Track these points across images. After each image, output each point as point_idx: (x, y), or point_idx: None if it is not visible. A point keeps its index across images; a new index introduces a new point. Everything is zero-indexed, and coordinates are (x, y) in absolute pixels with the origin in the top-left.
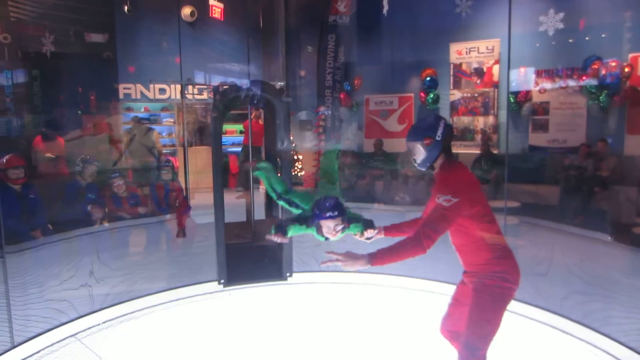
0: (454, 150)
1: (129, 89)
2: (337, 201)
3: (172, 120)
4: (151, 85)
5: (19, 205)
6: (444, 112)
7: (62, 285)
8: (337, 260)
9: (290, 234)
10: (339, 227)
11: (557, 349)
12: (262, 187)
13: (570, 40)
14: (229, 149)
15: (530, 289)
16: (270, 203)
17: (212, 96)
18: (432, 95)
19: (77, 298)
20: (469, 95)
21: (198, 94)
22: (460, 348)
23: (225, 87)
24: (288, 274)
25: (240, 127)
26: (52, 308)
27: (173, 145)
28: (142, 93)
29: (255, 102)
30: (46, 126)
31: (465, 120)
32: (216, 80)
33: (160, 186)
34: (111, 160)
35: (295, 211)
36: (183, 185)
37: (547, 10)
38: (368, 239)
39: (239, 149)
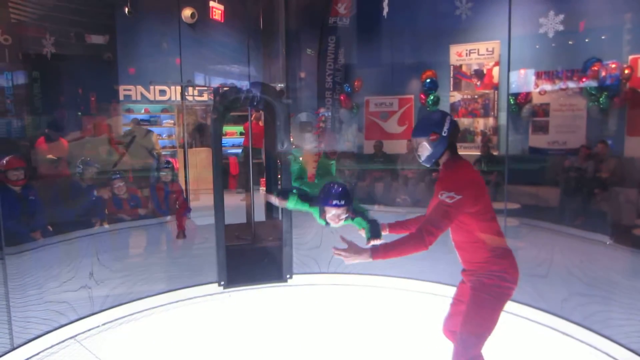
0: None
1: (129, 90)
2: (346, 190)
3: (172, 121)
4: (151, 87)
5: (19, 207)
6: None
7: (61, 287)
8: (340, 254)
9: (290, 203)
10: (343, 216)
11: (557, 351)
12: (262, 188)
13: (570, 42)
14: (229, 151)
15: (531, 290)
16: (270, 205)
17: (212, 98)
18: (432, 97)
19: (76, 300)
20: (469, 97)
21: (198, 96)
22: (455, 345)
23: (225, 88)
24: (288, 276)
25: (240, 128)
26: (52, 310)
27: (173, 147)
28: (142, 94)
29: (255, 103)
30: (49, 127)
31: (465, 122)
32: (216, 82)
33: (160, 188)
34: (111, 162)
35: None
36: (183, 187)
37: (547, 12)
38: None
39: (239, 150)
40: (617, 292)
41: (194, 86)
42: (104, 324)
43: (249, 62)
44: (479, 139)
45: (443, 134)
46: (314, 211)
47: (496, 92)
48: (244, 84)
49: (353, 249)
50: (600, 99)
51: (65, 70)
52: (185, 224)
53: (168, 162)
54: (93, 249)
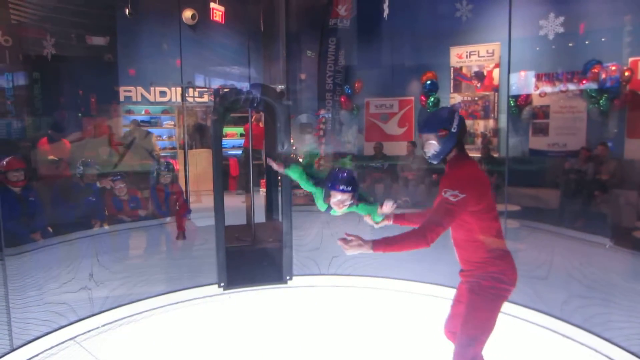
0: None
1: (130, 91)
2: (353, 176)
3: (173, 122)
4: (152, 88)
5: (19, 208)
6: None
7: (61, 288)
8: (343, 243)
9: (290, 170)
10: (347, 203)
11: (557, 354)
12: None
13: (570, 44)
14: (229, 152)
15: (531, 292)
16: (270, 206)
17: (212, 99)
18: (432, 99)
19: (76, 301)
20: (469, 98)
21: (198, 97)
22: (455, 347)
23: (225, 90)
24: (288, 277)
25: (240, 130)
26: (52, 311)
27: (173, 148)
28: (142, 96)
29: (255, 105)
30: (52, 128)
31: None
32: (217, 83)
33: (161, 189)
34: (111, 163)
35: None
36: (183, 188)
37: (548, 14)
38: (386, 214)
39: (239, 151)
40: (617, 294)
41: (194, 87)
42: (103, 325)
43: (249, 63)
44: (479, 140)
45: (452, 130)
46: (318, 192)
47: (496, 94)
48: (244, 86)
49: (356, 240)
50: (601, 101)
51: (66, 71)
52: (185, 225)
53: (168, 164)
54: (93, 250)
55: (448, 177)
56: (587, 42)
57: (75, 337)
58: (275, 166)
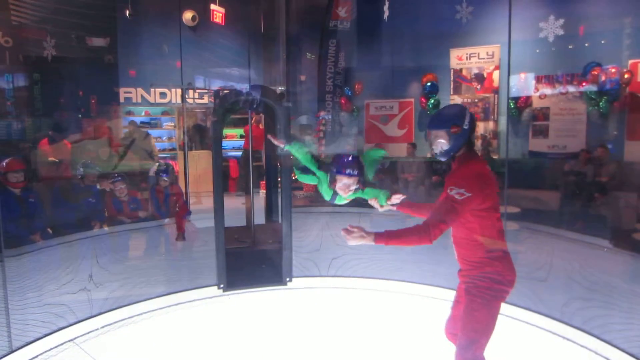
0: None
1: (130, 92)
2: (359, 160)
3: (173, 124)
4: (152, 89)
5: (19, 209)
6: None
7: (60, 290)
8: (345, 234)
9: (292, 147)
10: (352, 187)
11: (557, 355)
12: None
13: (570, 47)
14: (229, 153)
15: (531, 294)
16: (270, 208)
17: (212, 100)
18: (432, 101)
19: (75, 302)
20: (469, 100)
21: (198, 98)
22: (456, 349)
23: (225, 91)
24: (288, 279)
25: (240, 131)
26: (51, 312)
27: (173, 149)
28: (142, 97)
29: (255, 106)
30: (53, 129)
31: None
32: (217, 85)
33: (160, 190)
34: (111, 164)
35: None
36: (183, 189)
37: (547, 17)
38: (393, 205)
39: (239, 153)
40: (617, 296)
41: (194, 89)
42: (103, 327)
43: (249, 65)
44: (479, 142)
45: (464, 127)
46: (321, 176)
47: (496, 95)
48: (244, 87)
49: (359, 231)
50: (600, 103)
51: (66, 72)
52: (185, 226)
53: (167, 166)
54: (92, 252)
55: (455, 175)
56: (586, 45)
57: (75, 338)
58: (275, 142)
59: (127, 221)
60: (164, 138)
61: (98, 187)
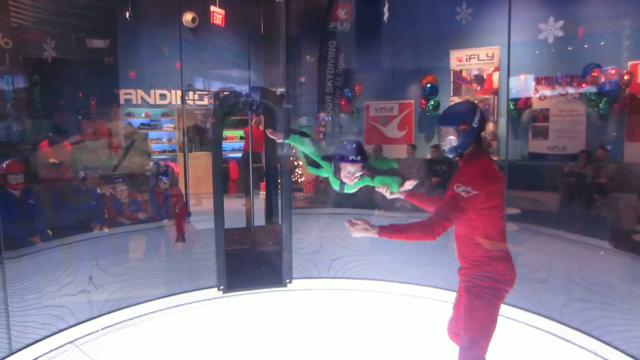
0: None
1: (130, 94)
2: (361, 146)
3: (173, 125)
4: (152, 91)
5: (18, 211)
6: None
7: (60, 291)
8: (349, 226)
9: (292, 140)
10: (358, 174)
11: (557, 357)
12: (262, 193)
13: (569, 48)
14: (229, 155)
15: (530, 295)
16: (270, 209)
17: (212, 102)
18: (432, 102)
19: (75, 304)
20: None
21: (198, 100)
22: (458, 349)
23: (225, 93)
24: (288, 281)
25: (240, 132)
26: (51, 314)
27: (173, 151)
28: (142, 98)
29: (255, 108)
30: (53, 131)
31: None
32: (217, 86)
33: (160, 192)
34: (111, 165)
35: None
36: (183, 191)
37: (547, 18)
38: (405, 192)
39: (239, 154)
40: (616, 297)
41: (194, 90)
42: (103, 329)
43: (249, 66)
44: None
45: (474, 125)
46: (326, 166)
47: (496, 97)
48: (244, 89)
49: (363, 223)
50: (600, 105)
51: (66, 74)
52: (185, 228)
53: (167, 167)
54: (92, 253)
55: (462, 172)
56: (586, 46)
57: (75, 340)
58: (274, 136)
59: (127, 223)
60: (164, 139)
61: (99, 190)
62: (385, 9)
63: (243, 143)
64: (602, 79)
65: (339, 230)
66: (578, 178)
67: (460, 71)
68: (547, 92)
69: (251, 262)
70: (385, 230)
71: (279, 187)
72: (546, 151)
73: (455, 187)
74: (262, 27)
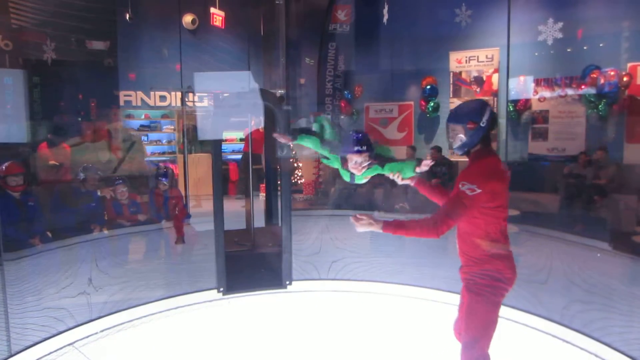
0: (454, 159)
1: (130, 96)
2: (367, 137)
3: (172, 127)
4: (152, 93)
5: (18, 213)
6: (444, 120)
7: (60, 293)
8: (354, 221)
9: (301, 140)
10: (365, 164)
11: (557, 358)
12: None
13: (569, 50)
14: (229, 156)
15: (530, 297)
16: (270, 211)
17: (212, 103)
18: (432, 104)
19: (75, 306)
20: None
21: (198, 101)
22: (461, 348)
23: (225, 94)
24: (288, 282)
25: (240, 134)
26: (50, 316)
27: (173, 152)
28: (142, 100)
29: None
30: (52, 133)
31: None
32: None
33: (159, 194)
34: (111, 167)
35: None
36: (183, 193)
37: (546, 20)
38: (417, 174)
39: (239, 156)
40: (616, 299)
41: (194, 92)
42: (102, 331)
43: (249, 68)
44: None
45: (481, 124)
46: (334, 158)
47: (495, 98)
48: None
49: (367, 218)
50: (599, 106)
51: (66, 75)
52: (185, 229)
53: (167, 169)
54: (92, 255)
55: (468, 171)
56: (585, 48)
57: (74, 342)
58: (282, 140)
59: (127, 224)
60: (164, 141)
61: (99, 193)
62: (385, 10)
63: (243, 145)
64: (602, 81)
65: (338, 231)
66: (577, 179)
67: (460, 73)
68: (547, 93)
69: (251, 263)
70: (390, 225)
71: (279, 188)
72: (546, 153)
73: (460, 185)
74: (261, 29)
